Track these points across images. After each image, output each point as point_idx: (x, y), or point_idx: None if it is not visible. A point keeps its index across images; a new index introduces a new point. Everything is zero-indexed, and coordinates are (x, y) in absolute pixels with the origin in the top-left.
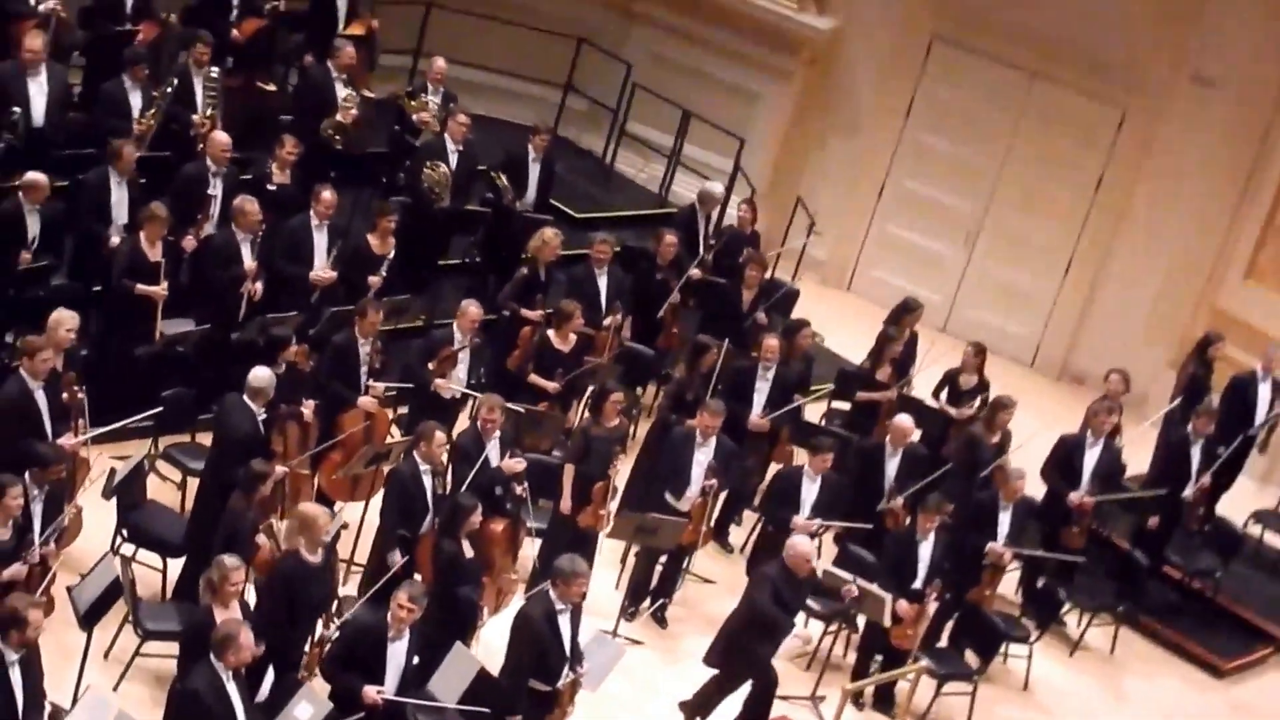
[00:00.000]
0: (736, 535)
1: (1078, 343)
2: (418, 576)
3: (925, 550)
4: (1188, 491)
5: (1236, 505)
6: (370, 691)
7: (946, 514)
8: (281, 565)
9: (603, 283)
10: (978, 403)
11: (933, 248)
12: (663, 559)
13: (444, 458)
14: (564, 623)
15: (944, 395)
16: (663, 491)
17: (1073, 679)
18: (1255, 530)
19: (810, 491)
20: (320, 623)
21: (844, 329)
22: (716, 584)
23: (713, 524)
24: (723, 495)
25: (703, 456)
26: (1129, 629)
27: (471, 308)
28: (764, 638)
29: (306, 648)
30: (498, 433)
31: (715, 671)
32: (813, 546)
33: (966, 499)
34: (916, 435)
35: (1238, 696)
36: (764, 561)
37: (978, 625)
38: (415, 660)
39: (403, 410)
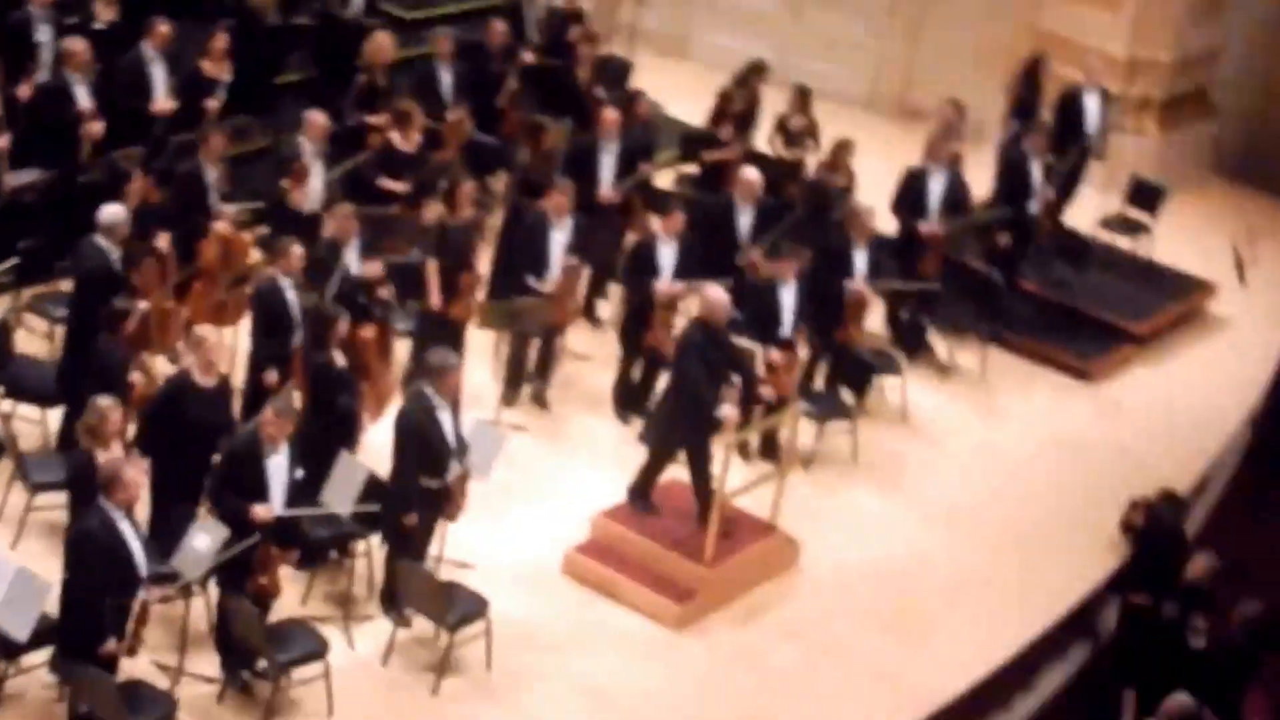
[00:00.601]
0: (604, 309)
1: (911, 80)
2: (296, 393)
3: (787, 297)
4: (1033, 207)
5: (1083, 215)
6: (259, 509)
7: (803, 260)
8: (165, 385)
9: (446, 79)
10: (810, 144)
11: (761, 7)
12: (535, 342)
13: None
14: (444, 418)
15: (778, 142)
16: (525, 276)
17: (948, 403)
18: (1104, 236)
19: (667, 256)
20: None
21: (686, 97)
22: (592, 359)
23: (580, 301)
24: (585, 272)
25: (559, 237)
26: (995, 347)
27: (317, 117)
28: (692, 407)
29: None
30: (355, 240)
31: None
32: (723, 292)
33: (821, 243)
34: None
35: (1106, 396)
36: (635, 331)
37: (849, 364)
38: (299, 473)
39: (264, 230)
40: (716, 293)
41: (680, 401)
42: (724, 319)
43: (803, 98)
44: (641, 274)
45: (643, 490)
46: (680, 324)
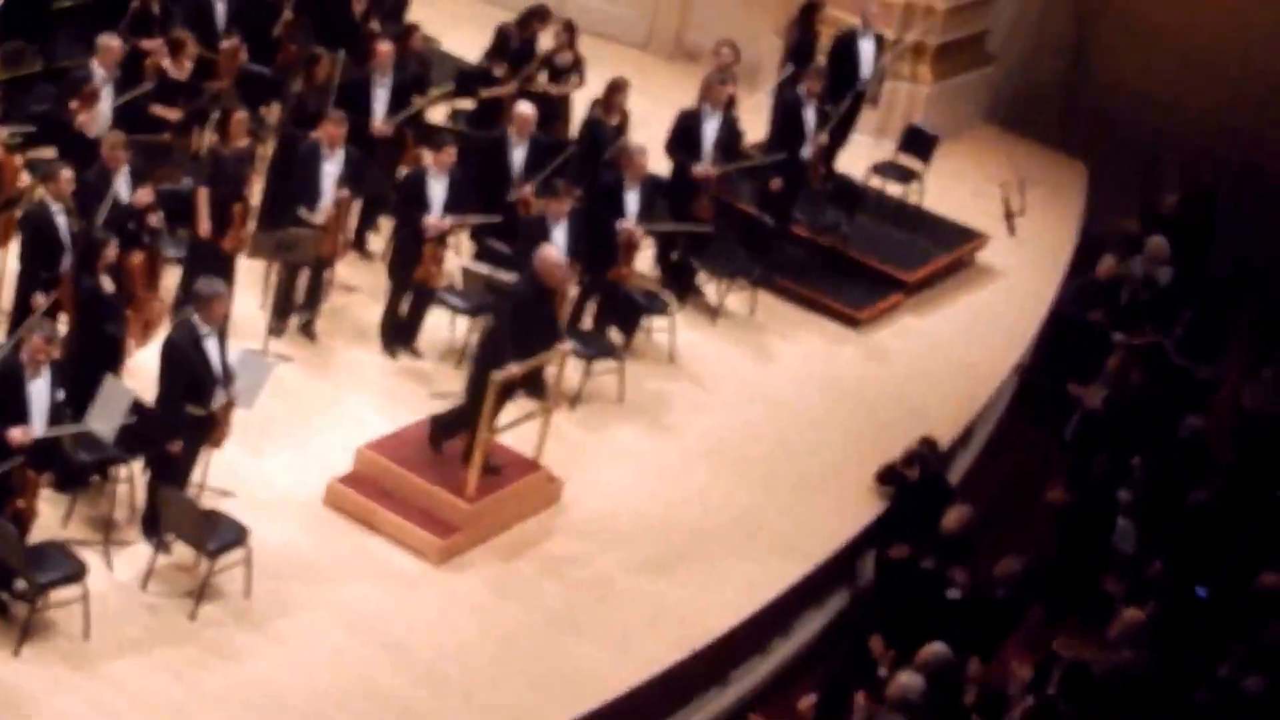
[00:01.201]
0: (375, 242)
1: (687, 20)
2: (63, 316)
3: (559, 235)
4: (806, 151)
5: (855, 161)
6: (15, 432)
7: (575, 198)
8: None
9: (220, 8)
10: (575, 79)
11: None
12: (304, 273)
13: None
14: (211, 346)
15: (544, 76)
16: (296, 207)
17: (717, 345)
18: (876, 183)
19: (438, 190)
20: None
21: (462, 32)
22: (360, 290)
23: (350, 233)
24: (356, 204)
25: (331, 168)
26: (765, 291)
27: (111, 41)
28: (490, 358)
29: None
30: (125, 168)
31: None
32: (560, 254)
33: (593, 181)
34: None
35: (875, 343)
36: (404, 265)
37: (618, 303)
38: (61, 396)
39: (48, 154)
40: (552, 254)
41: (483, 345)
42: (554, 282)
43: (569, 33)
44: (412, 207)
45: (440, 433)
46: (449, 258)
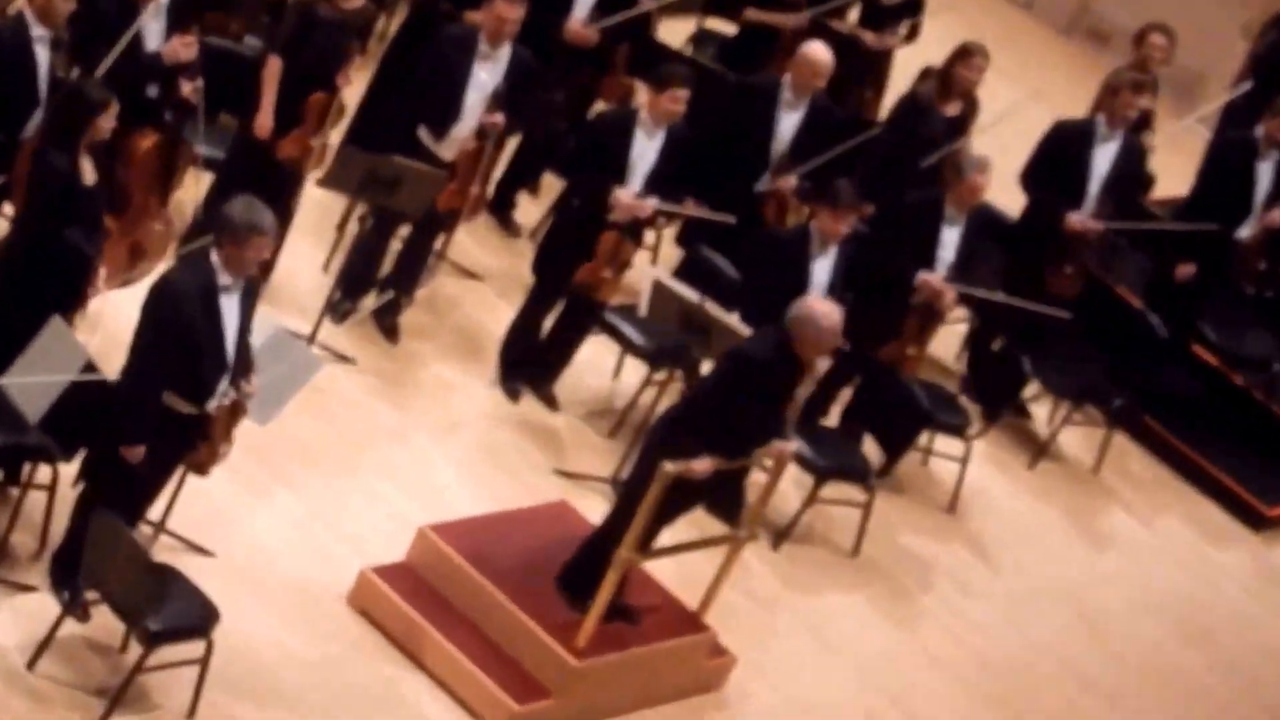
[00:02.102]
0: (526, 209)
1: None
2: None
3: (821, 269)
4: (1245, 230)
5: None
6: None
7: (862, 216)
8: None
9: None
10: (905, 29)
11: None
12: (404, 232)
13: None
14: (228, 309)
15: (856, 12)
16: (415, 123)
17: (1025, 504)
18: None
19: (647, 151)
20: None
21: None
22: (486, 280)
23: (489, 186)
24: (510, 142)
25: (485, 75)
26: (1126, 436)
27: None
28: (670, 437)
29: None
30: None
31: None
32: (837, 313)
33: (896, 195)
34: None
35: (1277, 559)
36: (562, 256)
37: (889, 399)
38: None
39: None
40: (825, 312)
41: (668, 417)
42: (821, 353)
43: None
44: (597, 168)
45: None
46: (637, 261)
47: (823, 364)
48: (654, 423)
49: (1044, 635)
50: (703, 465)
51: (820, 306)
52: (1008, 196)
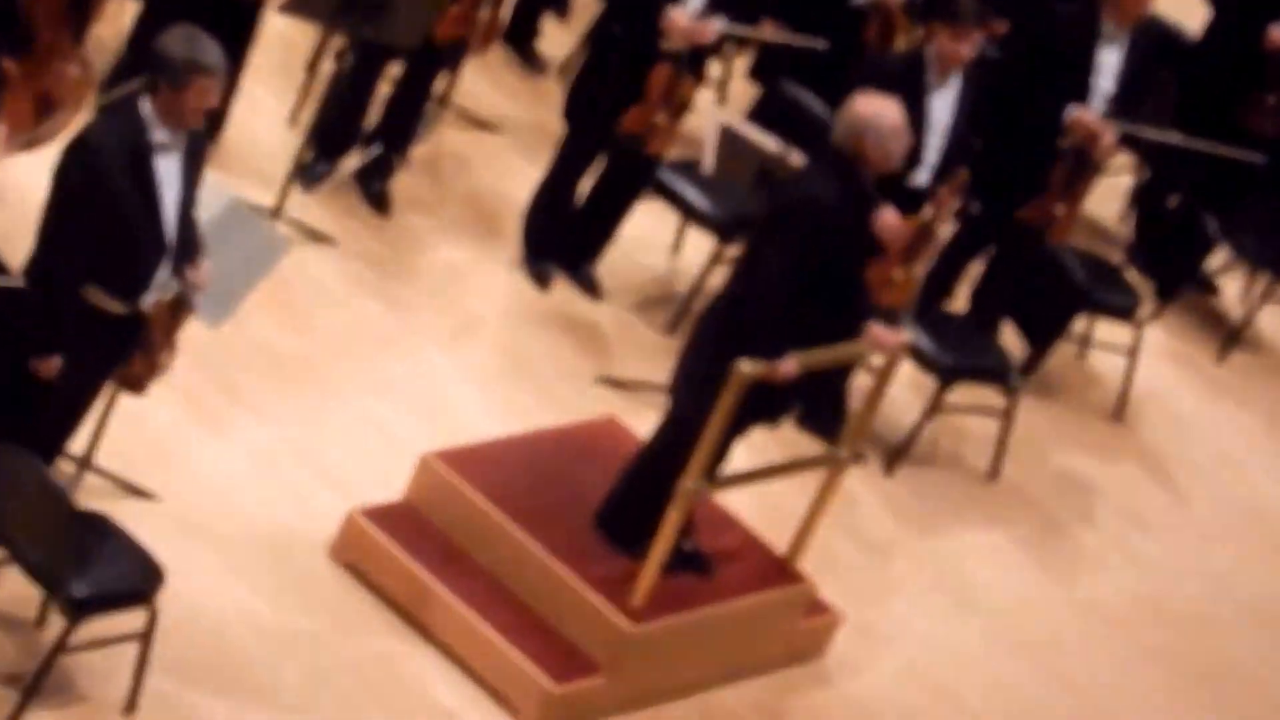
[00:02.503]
0: (552, 38)
1: None
2: None
3: (940, 105)
4: None
5: None
6: None
7: (993, 36)
8: None
9: None
10: None
11: None
12: (394, 71)
13: None
14: (167, 170)
15: None
16: None
17: (1215, 408)
18: None
19: None
20: None
21: None
22: (501, 133)
23: (505, 9)
24: None
25: None
26: None
27: None
28: (744, 332)
29: None
30: None
31: None
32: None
33: (1037, 7)
34: None
35: None
36: (603, 99)
37: (1033, 274)
38: None
39: None
40: (877, 104)
41: (735, 300)
42: (899, 151)
43: None
44: None
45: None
46: (702, 103)
47: (942, 229)
48: (706, 309)
49: (1238, 579)
50: (788, 365)
51: (868, 105)
52: (1183, 7)
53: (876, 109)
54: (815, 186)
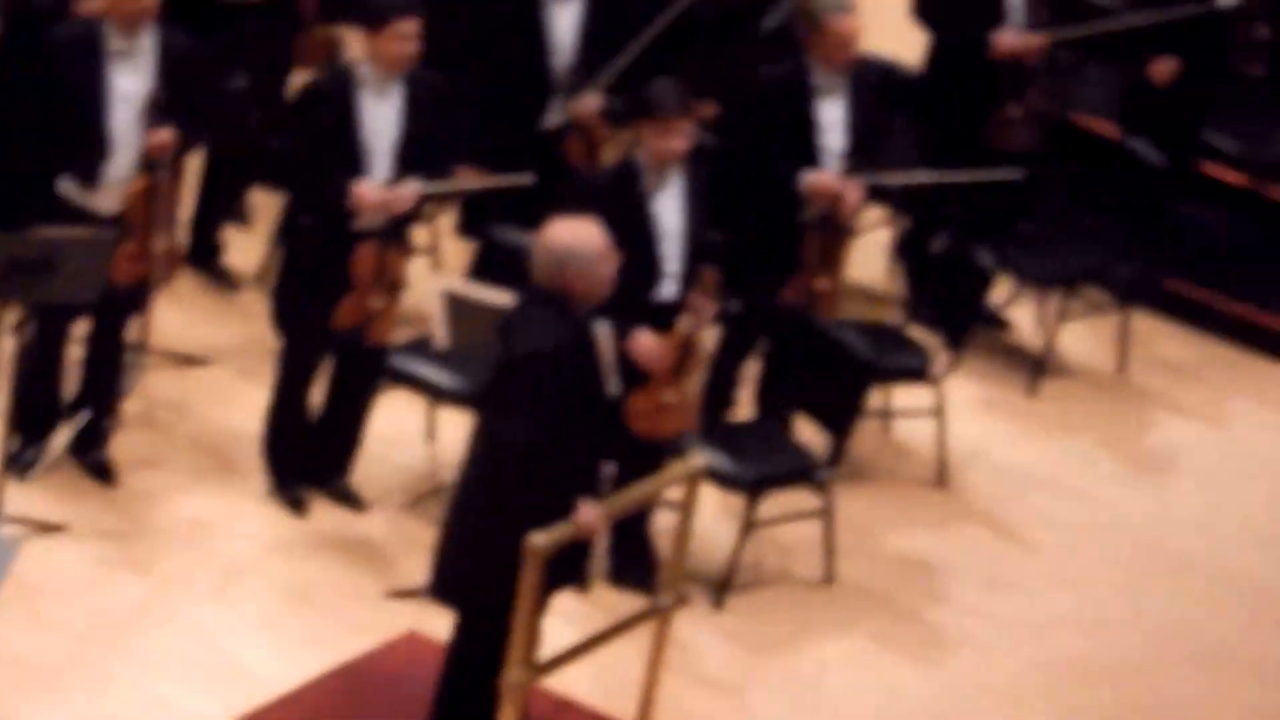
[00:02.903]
0: (241, 250)
1: None
2: None
3: (666, 208)
4: None
5: None
6: None
7: (703, 120)
8: None
9: None
10: None
11: None
12: (81, 330)
13: None
14: None
15: None
16: (49, 176)
17: (1041, 446)
18: None
19: (381, 118)
20: None
21: None
22: (212, 363)
23: (181, 233)
24: (192, 162)
25: (129, 79)
26: (1146, 311)
27: None
28: (521, 502)
29: None
30: None
31: None
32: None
33: (742, 80)
34: None
35: None
36: (310, 298)
37: (811, 357)
38: None
39: None
40: (567, 229)
41: (501, 469)
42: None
43: None
44: (331, 162)
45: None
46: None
47: (705, 333)
48: (458, 493)
49: (1118, 610)
50: (587, 514)
51: (562, 233)
52: (896, 42)
53: (571, 235)
54: (531, 336)
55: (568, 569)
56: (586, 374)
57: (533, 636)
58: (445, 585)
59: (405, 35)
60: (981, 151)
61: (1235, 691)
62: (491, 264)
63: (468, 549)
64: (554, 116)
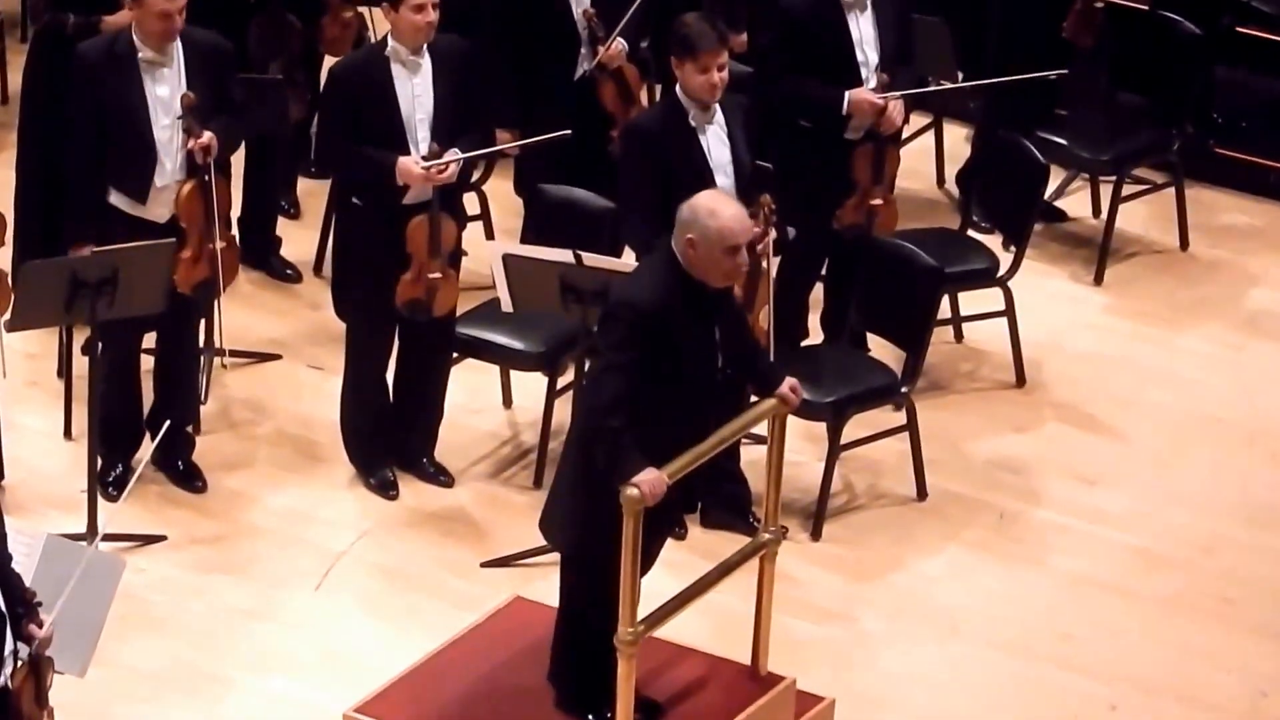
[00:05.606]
0: (295, 241)
1: None
2: None
3: (716, 146)
4: None
5: None
6: None
7: (738, 53)
8: None
9: None
10: None
11: None
12: (150, 340)
13: None
14: None
15: None
16: (101, 193)
17: (1115, 333)
18: None
19: (416, 91)
20: None
21: None
22: (284, 358)
23: (234, 231)
24: (236, 160)
25: (164, 87)
26: (1200, 185)
27: None
28: (609, 461)
29: None
30: None
31: None
32: (730, 204)
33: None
34: None
35: None
36: (368, 280)
37: (876, 276)
38: None
39: None
40: (715, 206)
41: (585, 433)
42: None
43: None
44: (372, 141)
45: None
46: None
47: (770, 268)
48: (566, 443)
49: (1219, 491)
50: (650, 477)
51: (704, 202)
52: None
53: (709, 205)
54: (630, 286)
55: (669, 518)
56: (688, 338)
57: (637, 589)
58: (554, 534)
59: (423, 4)
60: (1058, 43)
61: None
62: (544, 223)
63: (569, 500)
64: (584, 66)
